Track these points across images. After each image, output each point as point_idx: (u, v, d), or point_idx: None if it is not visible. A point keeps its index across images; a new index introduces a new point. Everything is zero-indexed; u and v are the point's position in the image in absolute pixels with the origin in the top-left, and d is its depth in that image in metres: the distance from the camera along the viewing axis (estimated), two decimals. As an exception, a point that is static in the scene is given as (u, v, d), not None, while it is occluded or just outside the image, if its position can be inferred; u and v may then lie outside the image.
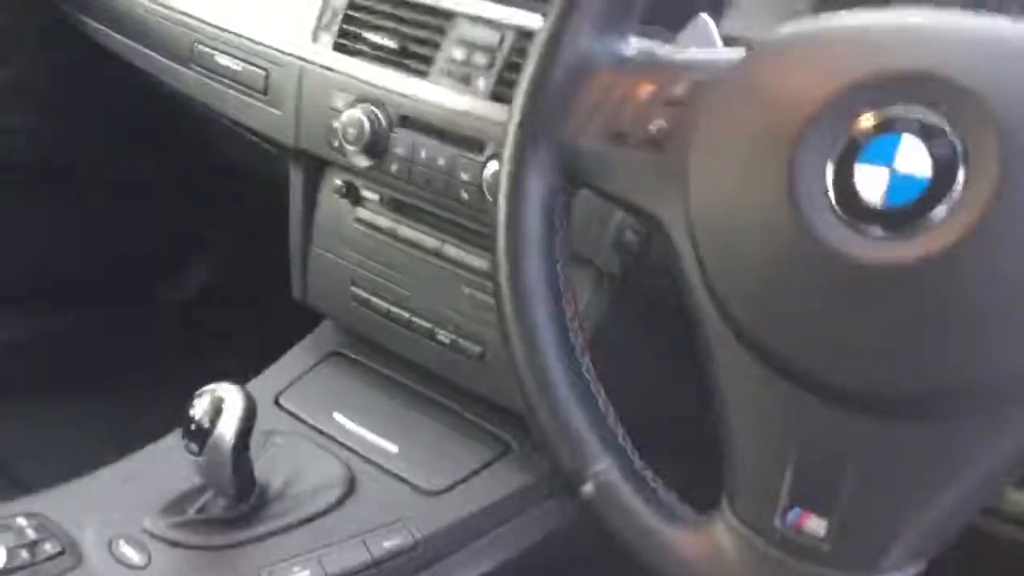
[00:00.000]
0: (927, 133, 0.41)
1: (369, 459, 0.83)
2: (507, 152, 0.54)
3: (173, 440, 0.78)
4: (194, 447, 0.70)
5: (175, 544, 0.72)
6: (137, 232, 1.32)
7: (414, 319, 0.89)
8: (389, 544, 0.74)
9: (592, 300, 0.77)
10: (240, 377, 0.95)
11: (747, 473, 0.47)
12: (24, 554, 0.68)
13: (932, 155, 0.40)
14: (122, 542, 0.72)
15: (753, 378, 0.46)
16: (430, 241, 0.88)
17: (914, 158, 0.41)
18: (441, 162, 0.83)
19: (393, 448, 0.85)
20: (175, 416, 0.75)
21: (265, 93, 0.97)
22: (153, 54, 1.11)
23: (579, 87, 0.53)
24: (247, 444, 0.71)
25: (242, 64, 0.99)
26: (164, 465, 0.78)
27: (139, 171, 1.33)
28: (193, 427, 0.69)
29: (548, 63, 0.53)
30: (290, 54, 0.94)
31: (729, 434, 0.48)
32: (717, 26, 0.73)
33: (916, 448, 0.42)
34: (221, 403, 0.69)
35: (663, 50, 0.56)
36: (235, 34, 1.00)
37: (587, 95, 0.53)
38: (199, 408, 0.69)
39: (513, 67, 0.80)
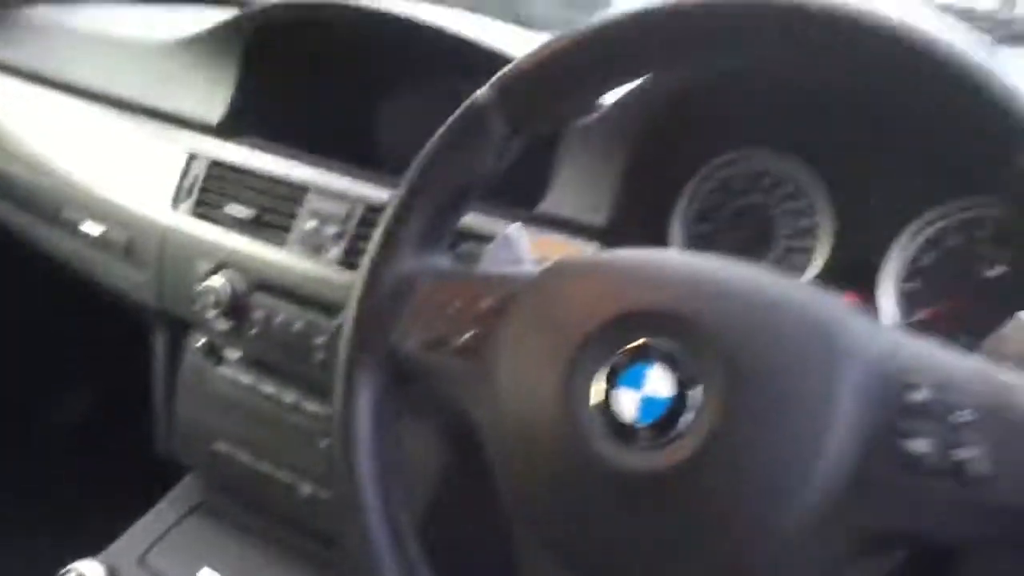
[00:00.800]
0: (670, 361, 0.49)
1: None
2: (341, 358, 0.61)
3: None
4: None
5: None
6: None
7: (276, 472, 0.94)
8: None
9: (434, 451, 0.84)
10: (105, 531, 0.97)
11: None
12: None
13: (675, 380, 0.49)
14: None
15: (540, 555, 0.53)
16: (289, 397, 0.93)
17: (660, 382, 0.49)
18: (297, 326, 0.88)
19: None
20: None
21: (128, 256, 1.02)
22: (23, 213, 1.14)
23: (402, 301, 0.60)
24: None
25: (107, 228, 1.03)
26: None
27: (4, 320, 1.34)
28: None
29: (374, 282, 0.61)
30: (152, 220, 1.00)
31: None
32: (539, 204, 0.83)
33: None
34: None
35: (477, 262, 0.65)
36: (101, 199, 1.05)
37: (409, 307, 0.60)
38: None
39: (361, 237, 0.87)
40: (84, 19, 1.23)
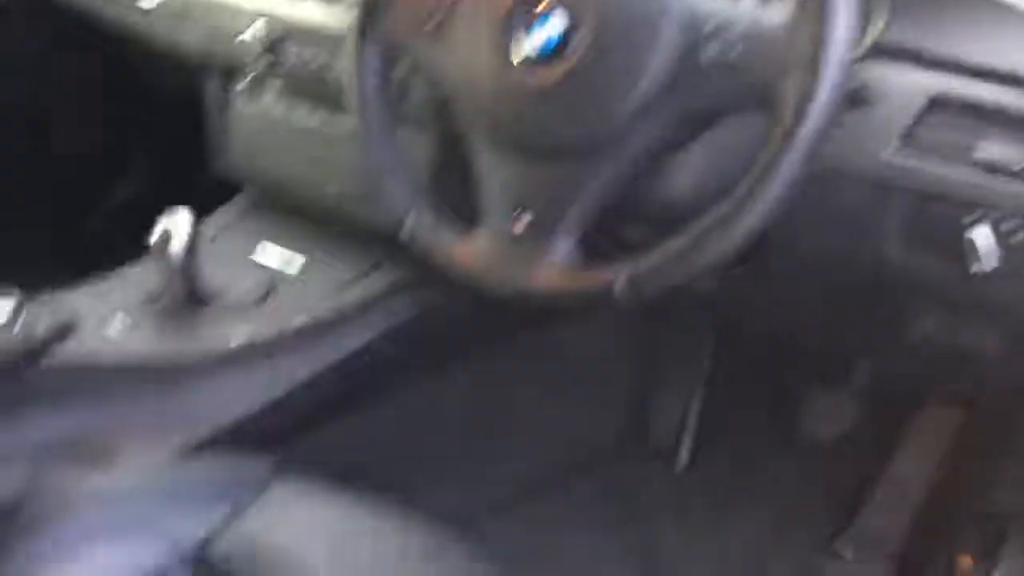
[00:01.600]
0: (561, 15, 0.77)
1: (284, 272, 1.18)
2: (348, 44, 0.90)
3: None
4: (155, 260, 1.02)
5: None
6: (67, 159, 1.61)
7: (308, 180, 1.22)
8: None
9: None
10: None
11: (491, 201, 0.83)
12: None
13: (564, 26, 0.77)
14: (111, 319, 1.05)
15: (491, 149, 0.81)
16: (316, 118, 1.19)
17: (555, 28, 0.77)
18: (321, 59, 1.15)
19: (295, 270, 1.19)
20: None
21: (181, 21, 1.27)
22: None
23: (393, 5, 0.88)
24: (194, 255, 1.04)
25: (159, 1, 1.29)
26: (134, 279, 1.11)
27: (69, 103, 1.60)
28: (153, 244, 1.01)
29: None
30: (198, -12, 1.25)
31: (479, 185, 0.84)
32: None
33: (564, 176, 0.79)
34: (174, 225, 1.01)
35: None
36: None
37: (394, 8, 0.88)
38: (157, 231, 1.01)
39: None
40: None
